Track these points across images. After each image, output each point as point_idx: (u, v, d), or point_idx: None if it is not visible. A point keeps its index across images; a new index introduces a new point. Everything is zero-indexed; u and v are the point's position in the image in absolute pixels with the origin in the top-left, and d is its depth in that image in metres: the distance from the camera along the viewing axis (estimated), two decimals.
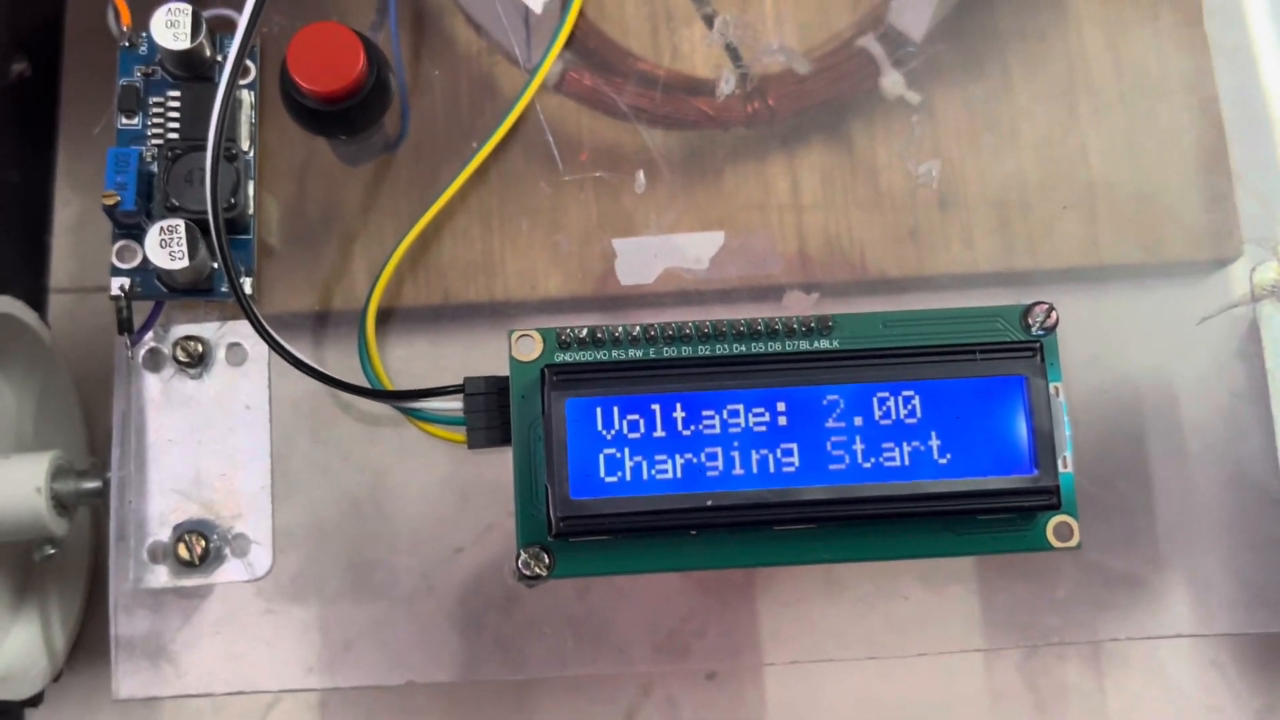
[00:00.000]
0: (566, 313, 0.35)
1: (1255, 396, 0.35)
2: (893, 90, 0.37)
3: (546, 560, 0.29)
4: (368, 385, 0.32)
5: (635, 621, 0.34)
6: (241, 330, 0.33)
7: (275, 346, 0.30)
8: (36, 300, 0.39)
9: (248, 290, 0.32)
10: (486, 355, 0.33)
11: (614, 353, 0.30)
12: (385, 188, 0.35)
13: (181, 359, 0.32)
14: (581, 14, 0.37)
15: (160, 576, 0.31)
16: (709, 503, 0.29)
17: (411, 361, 0.34)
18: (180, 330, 0.32)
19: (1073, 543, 0.30)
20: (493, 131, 0.34)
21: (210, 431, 0.32)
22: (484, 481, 0.34)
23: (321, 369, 0.31)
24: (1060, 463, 0.30)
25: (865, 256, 0.36)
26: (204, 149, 0.31)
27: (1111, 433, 0.35)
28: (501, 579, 0.33)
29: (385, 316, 0.34)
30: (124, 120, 0.32)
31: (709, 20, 0.37)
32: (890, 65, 0.37)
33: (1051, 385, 0.30)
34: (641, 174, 0.35)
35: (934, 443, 0.29)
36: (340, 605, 0.32)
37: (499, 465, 0.32)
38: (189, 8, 0.32)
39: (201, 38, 0.32)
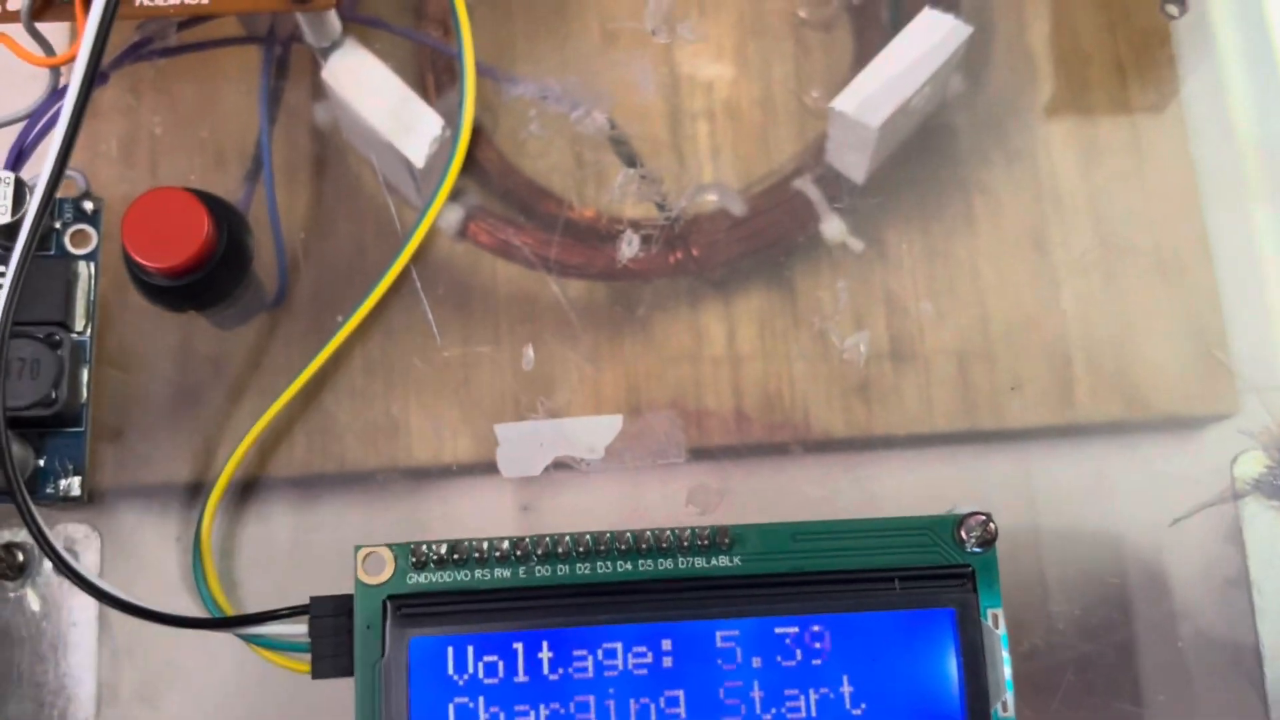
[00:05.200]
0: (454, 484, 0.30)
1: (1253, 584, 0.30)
2: (834, 236, 0.33)
3: None
4: (203, 608, 0.28)
5: None
6: (75, 533, 0.29)
7: (63, 568, 0.26)
8: None
9: (75, 492, 0.28)
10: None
11: (478, 573, 0.26)
12: (268, 351, 0.32)
13: (0, 570, 0.28)
14: (498, 154, 0.33)
15: None
16: None
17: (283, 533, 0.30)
18: (0, 536, 0.29)
19: None
20: (365, 298, 0.30)
21: (31, 653, 0.28)
22: None
23: (123, 596, 0.26)
24: (1000, 707, 0.26)
25: (809, 414, 0.32)
26: (25, 335, 0.28)
27: (1086, 620, 0.30)
28: None
29: (258, 485, 0.30)
30: None
31: (627, 160, 0.33)
32: (829, 209, 0.33)
33: (989, 613, 0.26)
34: (530, 349, 0.31)
35: (846, 689, 0.25)
36: None
37: None
38: (10, 176, 0.28)
39: (26, 208, 0.28)
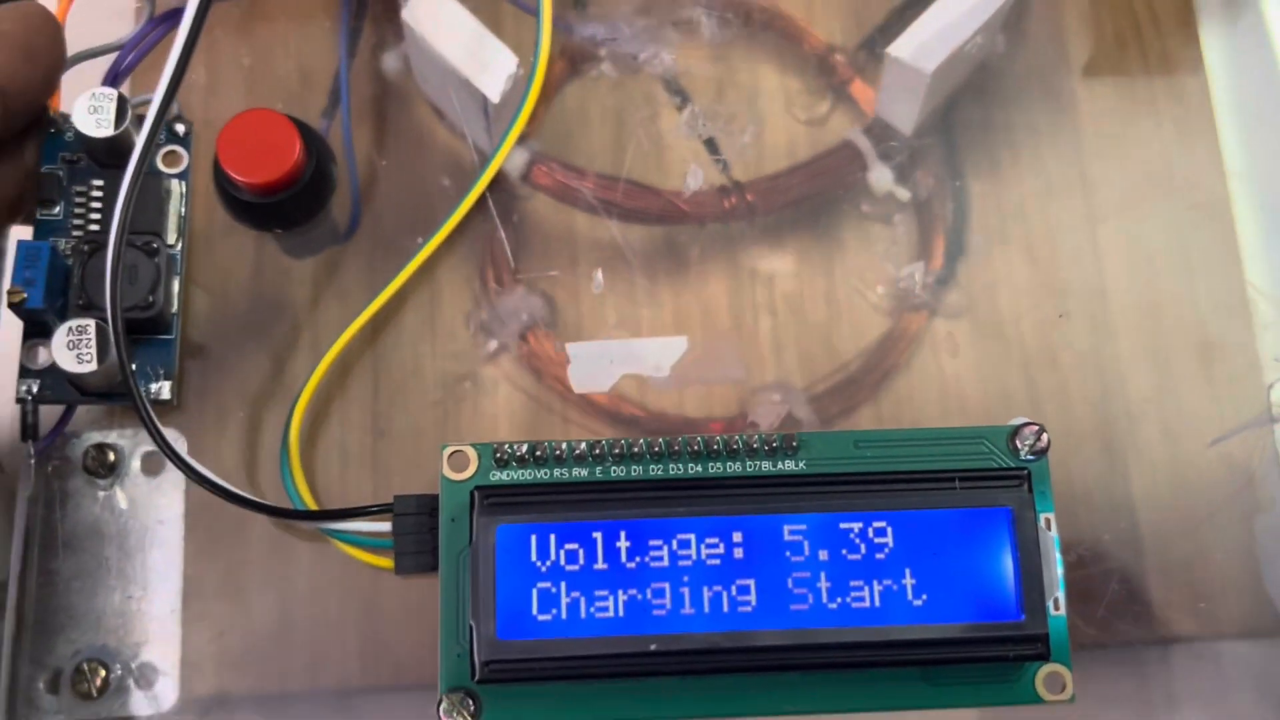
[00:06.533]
0: (519, 422, 0.32)
1: None
2: (881, 186, 0.34)
3: (472, 707, 0.26)
4: (290, 502, 0.29)
5: None
6: (167, 436, 0.30)
7: (176, 460, 0.27)
8: None
9: (165, 395, 0.30)
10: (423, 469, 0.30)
11: (556, 471, 0.28)
12: (335, 281, 0.33)
13: (91, 468, 0.30)
14: (553, 104, 0.35)
15: (55, 710, 0.28)
16: (652, 647, 0.26)
17: (361, 466, 0.31)
18: (92, 437, 0.30)
19: (1065, 695, 0.27)
20: (441, 225, 0.32)
21: (119, 548, 0.29)
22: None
23: (228, 486, 0.28)
24: (1051, 604, 0.27)
25: (850, 362, 0.33)
26: (125, 243, 0.29)
27: (1132, 534, 0.31)
28: None
29: (327, 419, 0.32)
30: (43, 211, 0.30)
31: (683, 106, 0.34)
32: (878, 159, 0.35)
33: (1042, 517, 0.27)
34: (600, 273, 0.33)
35: (908, 581, 0.26)
36: None
37: None
38: (114, 93, 0.29)
39: (127, 124, 0.29)
